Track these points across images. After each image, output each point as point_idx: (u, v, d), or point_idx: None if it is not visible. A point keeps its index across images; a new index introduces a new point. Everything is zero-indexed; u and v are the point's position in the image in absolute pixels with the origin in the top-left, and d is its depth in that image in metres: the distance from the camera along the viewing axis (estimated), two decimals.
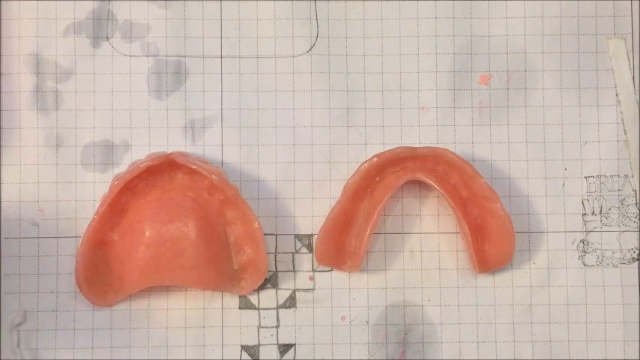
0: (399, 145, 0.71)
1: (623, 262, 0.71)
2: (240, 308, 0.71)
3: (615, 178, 0.72)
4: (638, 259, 0.71)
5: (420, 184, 0.71)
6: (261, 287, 0.71)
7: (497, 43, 0.72)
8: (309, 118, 0.72)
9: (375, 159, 0.70)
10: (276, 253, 0.71)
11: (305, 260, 0.71)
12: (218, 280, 0.68)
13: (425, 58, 0.72)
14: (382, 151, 0.70)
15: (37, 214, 0.70)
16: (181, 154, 0.70)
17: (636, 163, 0.71)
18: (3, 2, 0.72)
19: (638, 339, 0.70)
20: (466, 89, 0.72)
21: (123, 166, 0.71)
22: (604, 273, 0.71)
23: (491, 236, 0.70)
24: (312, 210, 0.71)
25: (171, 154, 0.69)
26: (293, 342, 0.70)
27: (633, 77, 0.72)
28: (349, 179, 0.70)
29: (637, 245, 0.71)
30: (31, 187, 0.71)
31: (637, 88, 0.72)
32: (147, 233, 0.67)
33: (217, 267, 0.68)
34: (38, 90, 0.71)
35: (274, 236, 0.71)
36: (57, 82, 0.71)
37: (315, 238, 0.71)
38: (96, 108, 0.71)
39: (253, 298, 0.71)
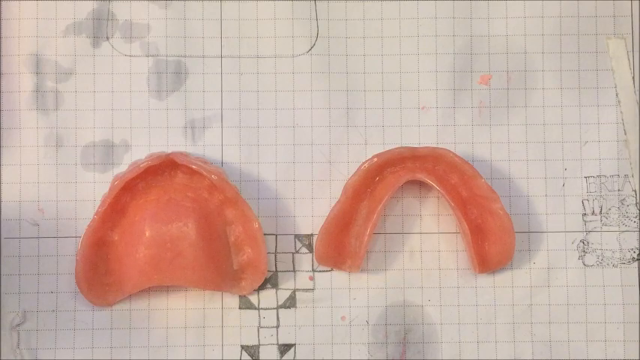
0: (399, 145, 0.71)
1: (623, 262, 0.71)
2: (240, 308, 0.71)
3: (615, 178, 0.72)
4: (638, 259, 0.71)
5: (420, 184, 0.71)
6: (261, 287, 0.71)
7: (497, 43, 0.72)
8: (309, 118, 0.72)
9: (375, 159, 0.70)
10: (276, 253, 0.71)
11: (305, 260, 0.71)
12: (218, 280, 0.68)
13: (425, 58, 0.72)
14: (382, 151, 0.70)
15: (37, 214, 0.70)
16: (181, 154, 0.70)
17: (636, 163, 0.72)
18: (3, 2, 0.72)
19: (638, 339, 0.70)
20: (466, 89, 0.72)
21: (123, 166, 0.71)
22: (604, 273, 0.71)
23: (492, 236, 0.70)
24: (312, 210, 0.71)
25: (171, 154, 0.69)
26: (293, 342, 0.70)
27: (633, 77, 0.72)
28: (349, 179, 0.70)
29: (637, 245, 0.71)
30: (31, 187, 0.71)
31: (637, 88, 0.72)
32: (147, 233, 0.67)
33: (217, 267, 0.68)
34: (38, 90, 0.71)
35: (274, 236, 0.71)
36: (57, 82, 0.71)
37: (315, 238, 0.71)
38: (96, 108, 0.71)
39: (253, 298, 0.71)
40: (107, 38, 0.72)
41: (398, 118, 0.72)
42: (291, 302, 0.71)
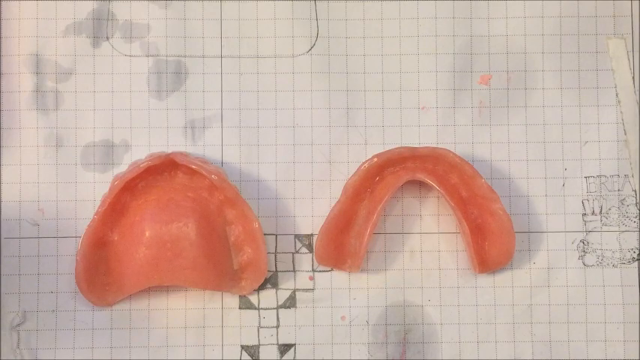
0: (399, 145, 0.71)
1: (623, 262, 0.71)
2: (240, 308, 0.71)
3: (615, 178, 0.72)
4: (638, 259, 0.71)
5: (420, 184, 0.71)
6: (261, 287, 0.71)
7: (497, 43, 0.72)
8: (309, 118, 0.72)
9: (375, 159, 0.70)
10: (276, 253, 0.71)
11: (305, 260, 0.71)
12: (218, 280, 0.68)
13: (425, 58, 0.72)
14: (382, 151, 0.70)
15: (37, 214, 0.70)
16: (181, 154, 0.70)
17: (636, 163, 0.72)
18: (3, 2, 0.72)
19: (638, 339, 0.70)
20: (466, 89, 0.72)
21: (123, 166, 0.71)
22: (604, 273, 0.71)
23: (492, 236, 0.70)
24: (312, 210, 0.71)
25: (171, 154, 0.69)
26: (293, 342, 0.70)
27: (633, 77, 0.72)
28: (349, 179, 0.70)
29: (637, 245, 0.71)
30: (31, 187, 0.71)
31: (637, 88, 0.72)
32: (147, 233, 0.67)
33: (217, 267, 0.68)
34: (38, 90, 0.71)
35: (274, 236, 0.71)
36: (57, 82, 0.71)
37: (315, 238, 0.71)
38: (96, 108, 0.71)
39: (253, 298, 0.71)
40: (107, 38, 0.72)
41: (398, 118, 0.72)
42: (291, 302, 0.71)
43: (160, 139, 0.71)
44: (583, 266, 0.71)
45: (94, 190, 0.71)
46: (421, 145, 0.71)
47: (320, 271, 0.71)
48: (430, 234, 0.71)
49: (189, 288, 0.70)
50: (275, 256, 0.71)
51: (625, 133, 0.72)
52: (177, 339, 0.70)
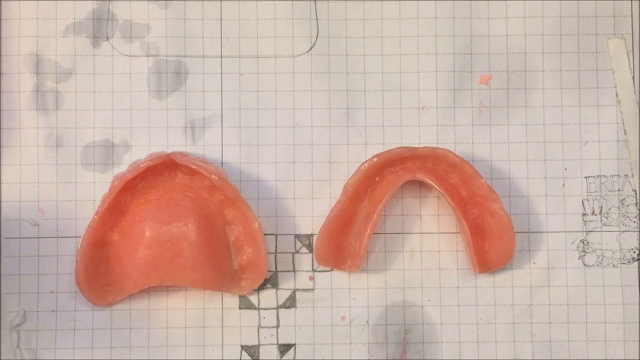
0: (399, 145, 0.71)
1: (623, 262, 0.71)
2: (240, 308, 0.71)
3: (615, 178, 0.72)
4: (638, 259, 0.71)
5: (420, 184, 0.71)
6: (261, 287, 0.71)
7: (497, 43, 0.72)
8: (309, 118, 0.72)
9: (375, 159, 0.70)
10: (276, 253, 0.71)
11: (305, 260, 0.71)
12: (218, 280, 0.68)
13: (425, 58, 0.72)
14: (382, 151, 0.70)
15: (37, 214, 0.70)
16: (181, 154, 0.70)
17: (636, 163, 0.72)
18: (3, 2, 0.72)
19: (638, 339, 0.70)
20: (466, 89, 0.72)
21: (123, 166, 0.71)
22: (604, 273, 0.71)
23: (492, 236, 0.70)
24: (312, 210, 0.71)
25: (171, 154, 0.69)
26: (293, 342, 0.70)
27: (633, 77, 0.72)
28: (349, 179, 0.70)
29: (637, 245, 0.71)
30: (31, 187, 0.71)
31: (637, 88, 0.72)
32: (147, 233, 0.67)
33: (217, 267, 0.68)
34: (38, 90, 0.71)
35: (274, 236, 0.71)
36: (57, 82, 0.71)
37: (315, 238, 0.71)
38: (96, 108, 0.71)
39: (253, 298, 0.71)
40: (107, 38, 0.72)
41: (398, 118, 0.72)
42: (291, 302, 0.71)
43: (160, 139, 0.71)
44: (583, 266, 0.71)
45: (94, 190, 0.71)
46: (421, 145, 0.71)
47: (320, 271, 0.71)
48: (430, 234, 0.71)
49: (189, 288, 0.70)
50: (275, 256, 0.71)
51: (625, 133, 0.72)
52: (177, 339, 0.70)
